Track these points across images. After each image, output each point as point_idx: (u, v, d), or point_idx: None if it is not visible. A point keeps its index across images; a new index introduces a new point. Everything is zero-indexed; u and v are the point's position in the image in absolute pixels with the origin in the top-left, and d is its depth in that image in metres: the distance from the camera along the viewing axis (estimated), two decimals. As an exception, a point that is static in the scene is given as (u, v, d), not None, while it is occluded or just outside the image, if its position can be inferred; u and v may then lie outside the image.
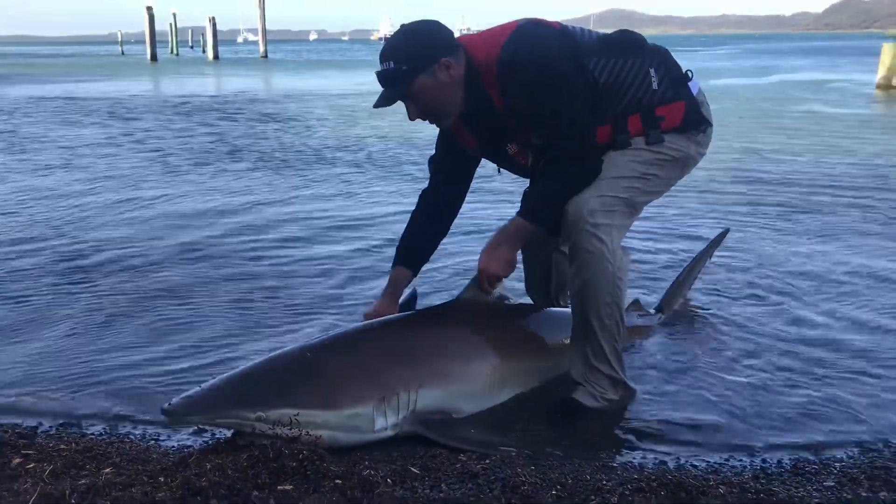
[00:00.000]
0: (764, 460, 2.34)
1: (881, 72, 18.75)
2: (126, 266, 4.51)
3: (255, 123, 12.65)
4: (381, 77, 2.58)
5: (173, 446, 2.44)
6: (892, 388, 2.83)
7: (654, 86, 2.62)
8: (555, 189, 2.61)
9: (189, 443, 2.46)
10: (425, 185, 3.00)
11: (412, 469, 2.19)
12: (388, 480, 2.10)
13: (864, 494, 2.09)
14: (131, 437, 2.51)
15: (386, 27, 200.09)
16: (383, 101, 2.57)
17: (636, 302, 3.55)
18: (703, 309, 3.68)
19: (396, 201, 6.32)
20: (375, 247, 4.89)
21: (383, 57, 2.56)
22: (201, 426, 2.47)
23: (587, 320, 2.62)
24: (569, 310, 2.81)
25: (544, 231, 2.75)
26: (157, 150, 9.53)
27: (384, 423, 2.37)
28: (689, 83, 2.72)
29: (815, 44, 63.03)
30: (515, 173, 2.90)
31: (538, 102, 2.51)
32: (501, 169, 2.91)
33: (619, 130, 2.62)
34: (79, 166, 8.28)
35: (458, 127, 2.75)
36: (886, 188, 6.64)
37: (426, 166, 3.03)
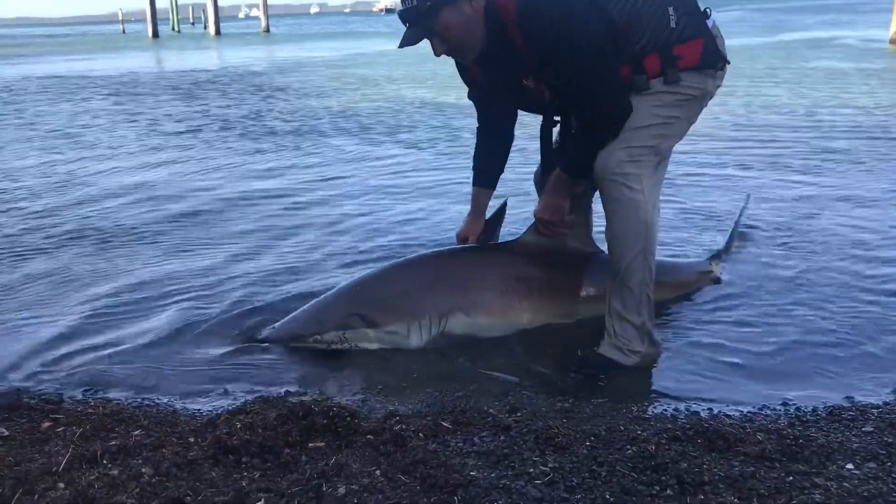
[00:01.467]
0: (798, 408, 2.31)
1: (894, 26, 18.39)
2: (138, 236, 4.48)
3: (249, 96, 12.49)
4: (405, 15, 2.57)
5: (199, 409, 2.42)
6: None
7: (673, 24, 2.58)
8: (587, 138, 2.64)
9: (216, 406, 2.44)
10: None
11: (443, 423, 2.16)
12: (420, 435, 2.08)
13: (904, 438, 2.06)
14: (158, 402, 2.49)
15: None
16: (409, 40, 2.59)
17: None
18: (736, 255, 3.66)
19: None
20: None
21: None
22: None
23: (618, 270, 2.63)
24: None
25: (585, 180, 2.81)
26: (154, 123, 9.46)
27: (418, 339, 2.82)
28: (707, 19, 2.67)
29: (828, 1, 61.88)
30: (526, 110, 2.88)
31: (558, 44, 2.50)
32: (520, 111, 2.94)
33: (636, 70, 2.59)
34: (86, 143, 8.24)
35: (472, 63, 2.74)
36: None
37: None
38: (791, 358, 2.69)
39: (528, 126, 3.10)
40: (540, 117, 2.87)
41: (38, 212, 5.13)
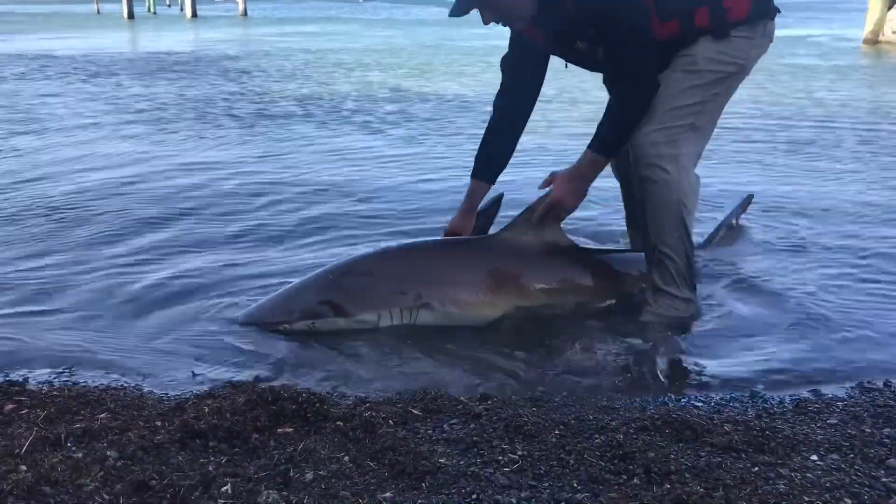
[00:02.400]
0: (765, 400, 2.33)
1: (868, 26, 18.57)
2: (97, 217, 4.40)
3: (214, 79, 12.27)
4: None
5: (167, 393, 2.39)
6: (890, 329, 2.83)
7: None
8: (622, 117, 2.74)
9: (184, 391, 2.41)
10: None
11: (413, 411, 2.16)
12: (390, 422, 2.07)
13: (867, 430, 2.08)
14: (125, 384, 2.46)
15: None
16: (459, 10, 2.64)
17: None
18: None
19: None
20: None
21: None
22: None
23: (655, 247, 2.78)
24: (598, 252, 3.21)
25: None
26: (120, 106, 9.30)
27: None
28: None
29: None
30: (585, 68, 2.96)
31: (608, 22, 2.61)
32: (569, 64, 2.96)
33: (686, 25, 2.66)
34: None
35: (529, 26, 2.79)
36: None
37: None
38: (760, 351, 2.71)
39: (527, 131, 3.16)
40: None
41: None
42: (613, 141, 2.77)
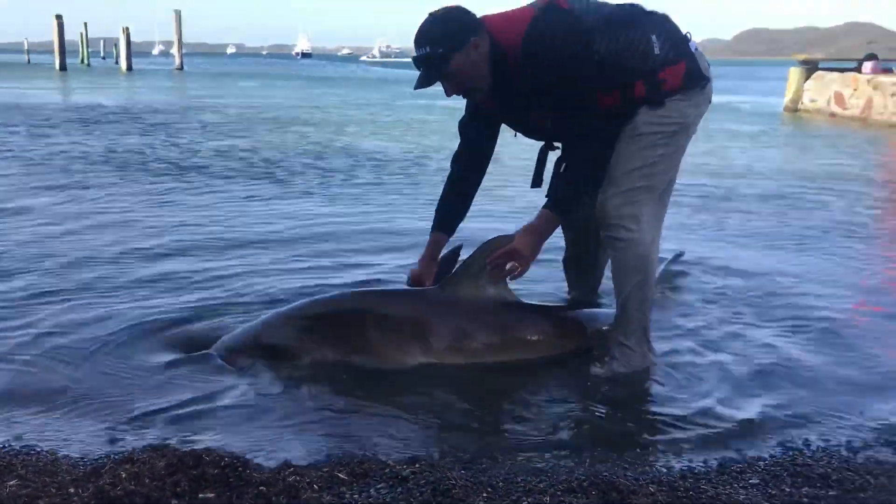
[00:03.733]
0: (691, 460, 2.35)
1: (788, 95, 19.56)
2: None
3: (134, 132, 12.20)
4: (419, 61, 2.83)
5: (84, 458, 2.29)
6: (809, 390, 2.90)
7: (656, 51, 2.82)
8: (573, 177, 2.96)
9: (102, 453, 2.32)
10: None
11: (339, 475, 2.12)
12: (315, 486, 2.03)
13: (787, 490, 2.12)
14: (38, 448, 2.35)
15: (304, 43, 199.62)
16: (423, 83, 2.86)
17: None
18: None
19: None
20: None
21: (419, 43, 2.81)
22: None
23: (622, 300, 2.95)
24: (541, 308, 3.35)
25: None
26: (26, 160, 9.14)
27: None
28: (688, 42, 2.92)
29: (726, 69, 65.89)
30: (531, 137, 3.19)
31: (555, 94, 2.83)
32: (518, 133, 3.20)
33: (625, 96, 2.85)
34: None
35: (483, 97, 2.99)
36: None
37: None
38: (685, 410, 2.74)
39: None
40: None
41: None
42: (566, 199, 2.97)
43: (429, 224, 3.35)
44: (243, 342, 3.06)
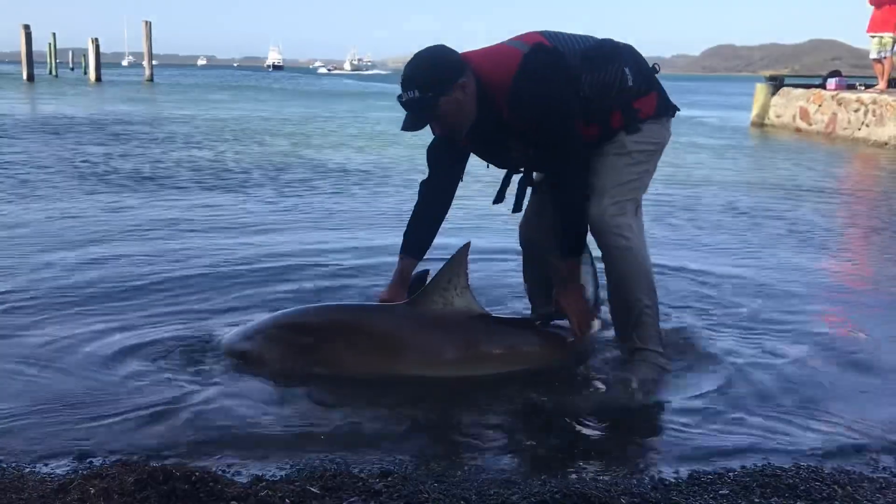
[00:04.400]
0: (661, 471, 2.37)
1: (755, 110, 19.86)
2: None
3: (103, 143, 12.15)
4: (408, 105, 2.87)
5: (51, 473, 2.26)
6: (777, 398, 2.94)
7: (630, 83, 2.98)
8: (569, 215, 3.04)
9: (70, 469, 2.29)
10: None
11: (312, 489, 2.11)
12: (287, 501, 2.02)
13: (756, 500, 2.15)
14: (3, 465, 2.31)
15: (275, 55, 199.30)
16: (411, 126, 2.89)
17: None
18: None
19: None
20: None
21: (406, 86, 2.86)
22: None
23: (631, 308, 3.04)
24: (509, 320, 3.44)
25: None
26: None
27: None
28: (656, 73, 3.12)
29: (695, 84, 67.01)
30: (504, 168, 3.26)
31: (543, 129, 2.91)
32: (490, 165, 3.25)
33: (604, 126, 3.00)
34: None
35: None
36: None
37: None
38: (655, 420, 2.77)
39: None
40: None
41: None
42: (572, 236, 3.06)
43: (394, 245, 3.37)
44: (232, 339, 3.22)
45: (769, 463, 2.42)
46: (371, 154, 11.62)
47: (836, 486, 2.25)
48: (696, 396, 2.94)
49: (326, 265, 4.84)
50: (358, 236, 5.79)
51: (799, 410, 2.84)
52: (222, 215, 6.53)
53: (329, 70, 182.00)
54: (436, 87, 2.83)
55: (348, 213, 6.84)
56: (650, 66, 3.11)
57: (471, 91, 2.88)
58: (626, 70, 2.98)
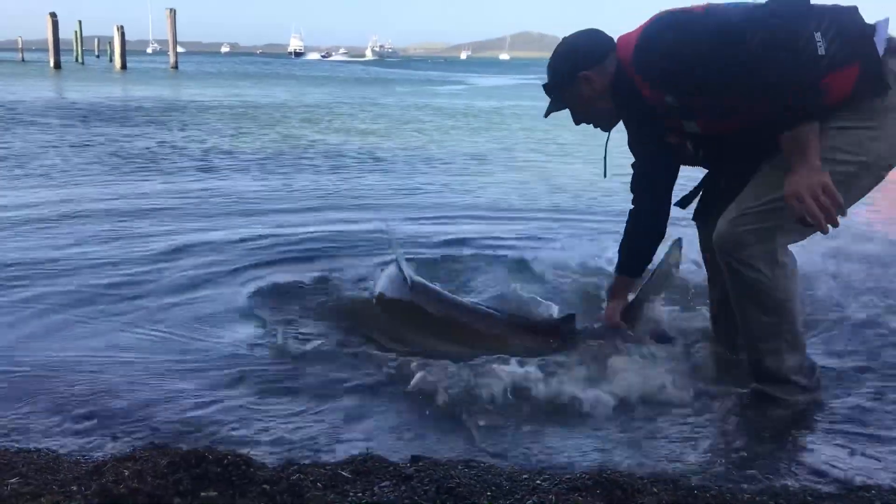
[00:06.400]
0: (694, 459, 2.35)
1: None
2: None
3: (120, 130, 12.27)
4: (544, 89, 2.89)
5: (85, 456, 2.29)
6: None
7: (821, 51, 2.22)
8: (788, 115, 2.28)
9: (104, 451, 2.31)
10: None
11: (343, 473, 2.11)
12: (319, 485, 2.02)
13: (790, 484, 2.13)
14: (40, 448, 2.34)
15: (297, 42, 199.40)
16: (550, 110, 2.92)
17: None
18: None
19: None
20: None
21: (547, 70, 2.86)
22: None
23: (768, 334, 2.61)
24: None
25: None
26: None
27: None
28: (875, 38, 2.32)
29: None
30: (682, 164, 2.89)
31: (680, 85, 2.48)
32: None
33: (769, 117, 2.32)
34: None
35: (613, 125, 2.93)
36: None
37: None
38: (688, 408, 2.74)
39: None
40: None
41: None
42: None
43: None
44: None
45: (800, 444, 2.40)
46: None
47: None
48: (726, 384, 2.90)
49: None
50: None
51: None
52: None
53: (322, 57, 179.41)
54: (556, 78, 2.84)
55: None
56: (861, 27, 2.34)
57: (599, 85, 2.74)
58: (817, 35, 2.22)
